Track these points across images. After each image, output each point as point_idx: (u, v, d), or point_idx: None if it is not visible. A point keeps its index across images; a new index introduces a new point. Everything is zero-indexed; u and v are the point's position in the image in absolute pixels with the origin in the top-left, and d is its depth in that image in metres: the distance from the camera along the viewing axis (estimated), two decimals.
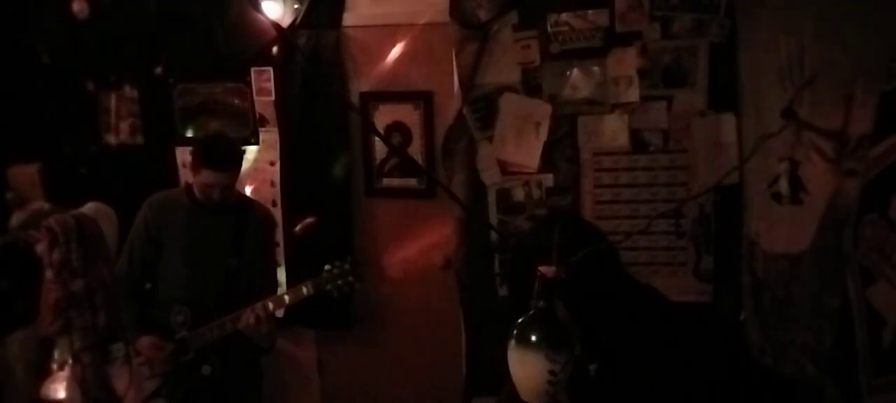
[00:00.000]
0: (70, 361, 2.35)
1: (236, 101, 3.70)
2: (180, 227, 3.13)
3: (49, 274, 2.31)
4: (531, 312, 1.66)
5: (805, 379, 2.48)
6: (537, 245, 2.02)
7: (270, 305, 3.04)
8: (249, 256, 3.16)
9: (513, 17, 3.22)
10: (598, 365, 1.87)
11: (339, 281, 3.06)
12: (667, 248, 3.16)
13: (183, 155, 3.81)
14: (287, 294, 3.09)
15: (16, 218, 3.09)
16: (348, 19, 3.53)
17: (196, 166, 3.05)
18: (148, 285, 3.15)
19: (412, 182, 3.63)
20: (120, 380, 2.54)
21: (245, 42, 3.61)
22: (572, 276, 1.86)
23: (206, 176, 3.02)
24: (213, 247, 3.13)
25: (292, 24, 3.51)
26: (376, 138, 3.60)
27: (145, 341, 3.02)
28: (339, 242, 3.58)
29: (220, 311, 3.05)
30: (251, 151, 3.66)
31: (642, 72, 3.08)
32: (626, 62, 3.10)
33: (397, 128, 3.56)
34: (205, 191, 3.07)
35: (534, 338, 1.58)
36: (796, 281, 2.52)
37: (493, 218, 3.37)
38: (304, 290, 3.06)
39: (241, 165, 3.13)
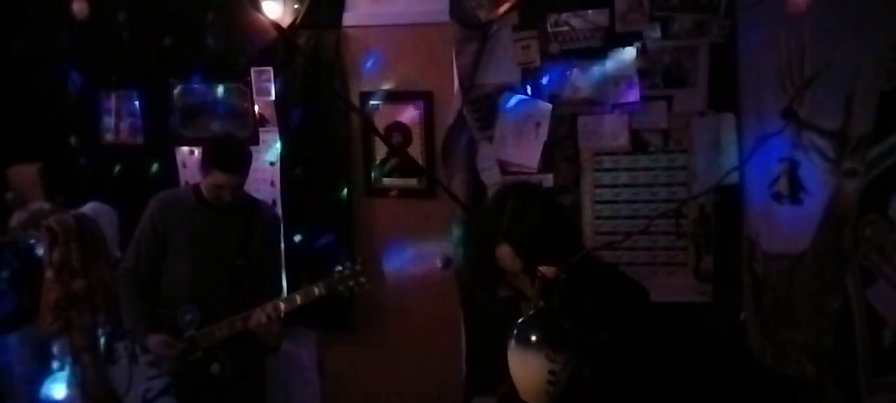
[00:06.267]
0: (70, 361, 2.35)
1: (236, 101, 3.71)
2: (187, 226, 3.13)
3: (49, 274, 2.31)
4: (531, 312, 1.66)
5: (805, 379, 2.48)
6: (493, 214, 2.11)
7: (282, 305, 3.04)
8: (255, 255, 3.17)
9: (513, 17, 3.22)
10: (596, 366, 1.87)
11: (351, 282, 3.05)
12: (667, 248, 3.16)
13: (183, 155, 3.82)
14: (299, 294, 3.07)
15: (16, 218, 3.09)
16: (348, 19, 3.53)
17: (206, 167, 3.05)
18: (155, 283, 3.16)
19: (412, 182, 3.63)
20: (120, 380, 2.55)
21: (245, 42, 3.62)
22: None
23: (217, 177, 3.02)
24: (219, 246, 3.13)
25: (292, 24, 3.51)
26: (376, 138, 3.60)
27: (155, 339, 3.03)
28: (338, 242, 3.58)
29: (227, 310, 3.05)
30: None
31: (642, 72, 3.08)
32: (626, 62, 3.10)
33: (397, 128, 3.56)
34: (214, 193, 3.07)
35: (534, 338, 1.58)
36: (796, 281, 2.52)
37: None
38: (317, 291, 3.05)
39: (250, 166, 3.14)
